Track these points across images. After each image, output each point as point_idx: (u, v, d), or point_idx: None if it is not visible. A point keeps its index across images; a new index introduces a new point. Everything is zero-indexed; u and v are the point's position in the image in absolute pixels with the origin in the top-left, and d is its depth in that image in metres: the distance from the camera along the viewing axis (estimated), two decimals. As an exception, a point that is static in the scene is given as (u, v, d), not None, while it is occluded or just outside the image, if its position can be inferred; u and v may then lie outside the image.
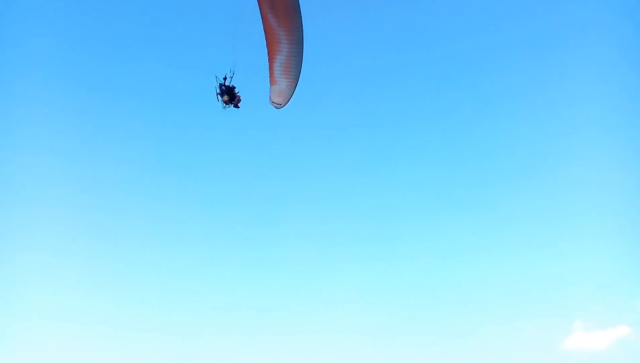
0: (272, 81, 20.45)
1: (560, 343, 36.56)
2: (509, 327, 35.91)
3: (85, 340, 34.37)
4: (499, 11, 47.05)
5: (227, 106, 19.21)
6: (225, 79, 19.14)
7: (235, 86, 19.19)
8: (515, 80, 46.58)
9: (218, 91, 19.18)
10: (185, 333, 36.27)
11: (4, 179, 39.20)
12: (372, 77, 48.64)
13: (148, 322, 36.81)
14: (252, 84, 21.30)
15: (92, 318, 35.36)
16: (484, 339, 35.18)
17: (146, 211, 42.80)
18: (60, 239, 38.07)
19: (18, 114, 40.79)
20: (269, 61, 19.89)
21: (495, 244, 40.16)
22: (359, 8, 47.94)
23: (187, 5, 49.45)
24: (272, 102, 20.68)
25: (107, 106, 46.29)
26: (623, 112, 38.49)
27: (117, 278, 38.65)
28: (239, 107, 19.55)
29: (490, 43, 47.69)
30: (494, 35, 47.76)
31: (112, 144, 44.79)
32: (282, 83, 20.43)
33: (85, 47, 46.76)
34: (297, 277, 39.35)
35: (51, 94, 42.08)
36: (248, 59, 19.88)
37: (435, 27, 49.08)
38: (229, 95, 19.01)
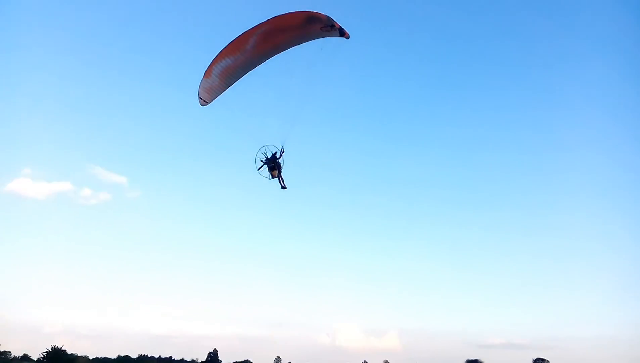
0: (207, 73, 21.71)
1: (2, 185, 37.83)
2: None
3: None
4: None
5: (272, 178, 19.27)
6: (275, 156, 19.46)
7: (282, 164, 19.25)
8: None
9: (264, 161, 19.04)
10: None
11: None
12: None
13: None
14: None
15: None
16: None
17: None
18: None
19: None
20: (217, 55, 21.18)
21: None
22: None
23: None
24: (200, 97, 21.61)
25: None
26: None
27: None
28: (285, 187, 19.71)
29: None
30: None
31: None
32: (215, 81, 21.82)
33: None
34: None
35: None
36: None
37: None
38: (279, 171, 19.28)
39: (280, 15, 19.74)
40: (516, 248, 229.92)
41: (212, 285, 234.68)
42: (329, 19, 18.77)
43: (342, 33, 18.55)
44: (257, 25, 20.11)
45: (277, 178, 19.48)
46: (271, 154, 19.42)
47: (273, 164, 19.28)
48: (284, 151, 19.35)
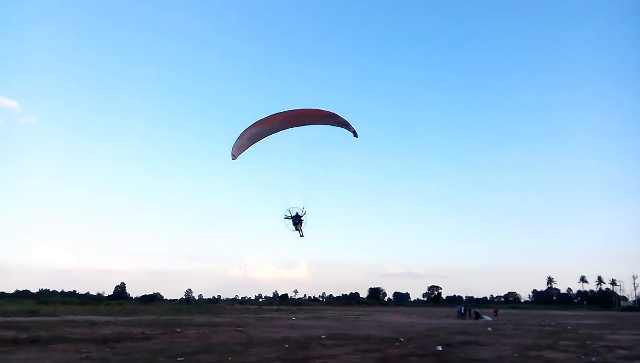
0: (241, 135, 28.00)
1: None
2: None
3: None
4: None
5: (295, 230, 25.39)
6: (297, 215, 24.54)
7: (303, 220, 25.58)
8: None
9: (290, 217, 25.00)
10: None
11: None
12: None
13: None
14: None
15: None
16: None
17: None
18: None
19: None
20: (252, 125, 27.51)
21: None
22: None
23: None
24: (232, 153, 27.85)
25: None
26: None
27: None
28: (303, 236, 25.71)
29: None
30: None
31: None
32: (244, 142, 28.23)
33: None
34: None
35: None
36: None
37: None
38: (301, 225, 25.49)
39: (306, 108, 26.54)
40: (412, 187, 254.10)
41: (119, 218, 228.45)
42: (345, 120, 26.08)
43: (354, 134, 26.17)
44: (286, 111, 26.80)
45: (298, 230, 27.14)
46: (295, 214, 26.75)
47: (298, 221, 26.71)
48: (305, 212, 26.70)
